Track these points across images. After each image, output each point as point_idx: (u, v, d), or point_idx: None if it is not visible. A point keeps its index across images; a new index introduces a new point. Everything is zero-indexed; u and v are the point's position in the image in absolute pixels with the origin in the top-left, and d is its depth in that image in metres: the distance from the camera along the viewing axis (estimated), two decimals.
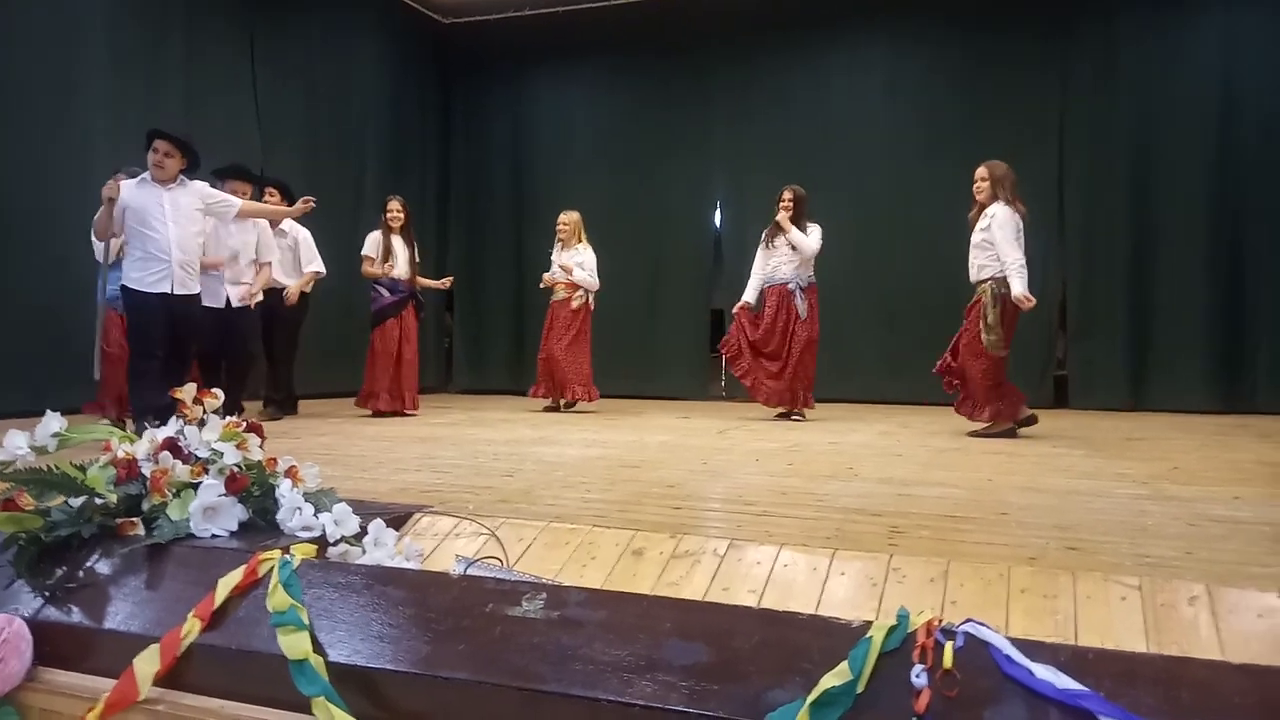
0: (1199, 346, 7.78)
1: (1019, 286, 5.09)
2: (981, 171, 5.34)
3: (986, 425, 5.34)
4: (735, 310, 6.82)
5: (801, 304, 6.53)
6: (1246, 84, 7.72)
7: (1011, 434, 5.29)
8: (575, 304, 7.29)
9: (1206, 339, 7.77)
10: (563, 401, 7.35)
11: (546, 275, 7.48)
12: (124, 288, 4.72)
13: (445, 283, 7.94)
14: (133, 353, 4.78)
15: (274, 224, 6.19)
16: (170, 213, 4.70)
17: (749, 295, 6.75)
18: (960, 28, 8.52)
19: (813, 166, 8.63)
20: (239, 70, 7.88)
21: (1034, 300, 5.17)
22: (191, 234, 4.83)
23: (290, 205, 5.93)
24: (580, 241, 7.40)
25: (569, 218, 7.44)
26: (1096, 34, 8.18)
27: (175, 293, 4.72)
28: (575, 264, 7.28)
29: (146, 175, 4.74)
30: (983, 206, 5.29)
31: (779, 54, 9.07)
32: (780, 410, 6.65)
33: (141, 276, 4.67)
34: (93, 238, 5.07)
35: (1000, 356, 5.23)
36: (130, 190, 4.68)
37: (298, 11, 8.46)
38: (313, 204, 5.59)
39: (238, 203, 5.19)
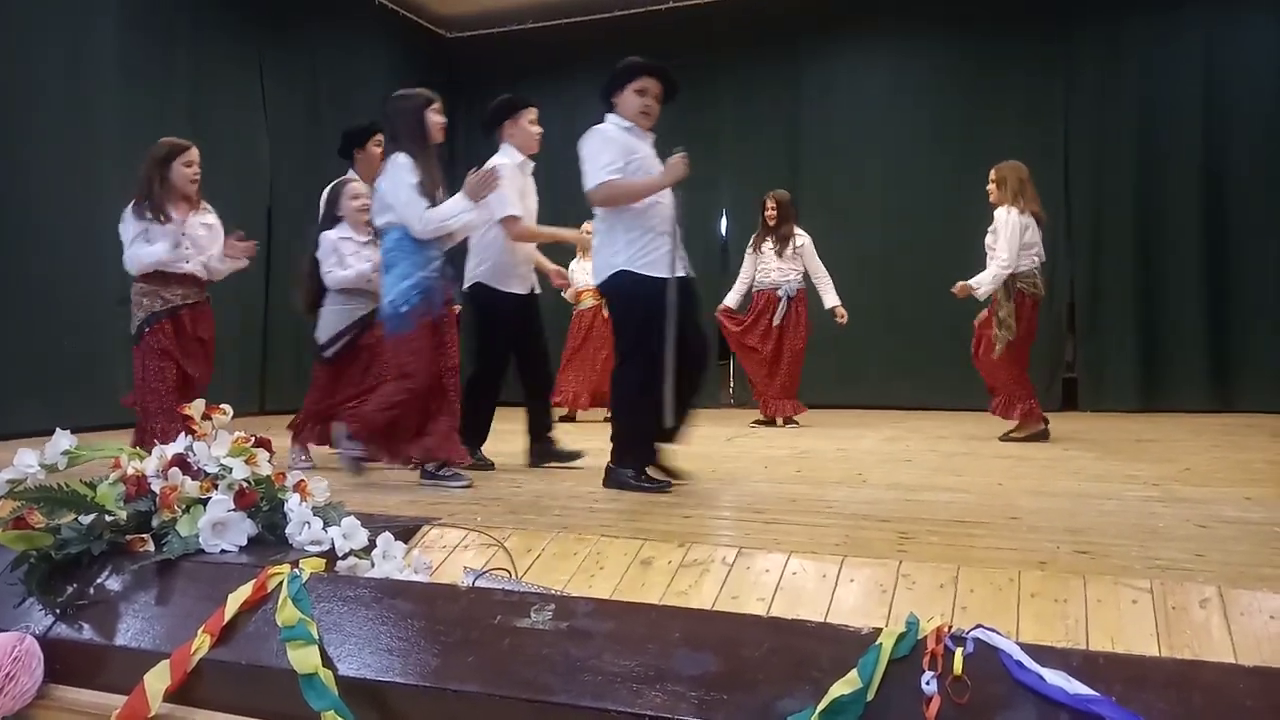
0: (1208, 346, 7.74)
1: (983, 278, 5.25)
2: (991, 174, 5.50)
3: (1017, 427, 5.37)
4: (716, 312, 6.80)
5: (787, 309, 6.53)
6: (1249, 86, 7.69)
7: (1044, 436, 5.31)
8: (608, 312, 7.26)
9: (1215, 339, 7.73)
10: (607, 415, 7.28)
11: (560, 281, 7.39)
12: (628, 273, 3.54)
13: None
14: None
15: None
16: None
17: (731, 299, 6.82)
18: (963, 32, 8.51)
19: (817, 173, 8.63)
20: (248, 86, 7.91)
21: (971, 290, 5.29)
22: None
23: None
24: None
25: (594, 226, 7.41)
26: (1100, 37, 8.15)
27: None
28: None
29: (625, 124, 3.56)
30: (994, 208, 5.44)
31: (782, 62, 9.06)
32: (758, 418, 6.67)
33: (651, 260, 3.59)
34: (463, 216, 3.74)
35: (1011, 348, 5.26)
36: (641, 143, 3.48)
37: (303, 27, 8.49)
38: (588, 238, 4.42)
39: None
